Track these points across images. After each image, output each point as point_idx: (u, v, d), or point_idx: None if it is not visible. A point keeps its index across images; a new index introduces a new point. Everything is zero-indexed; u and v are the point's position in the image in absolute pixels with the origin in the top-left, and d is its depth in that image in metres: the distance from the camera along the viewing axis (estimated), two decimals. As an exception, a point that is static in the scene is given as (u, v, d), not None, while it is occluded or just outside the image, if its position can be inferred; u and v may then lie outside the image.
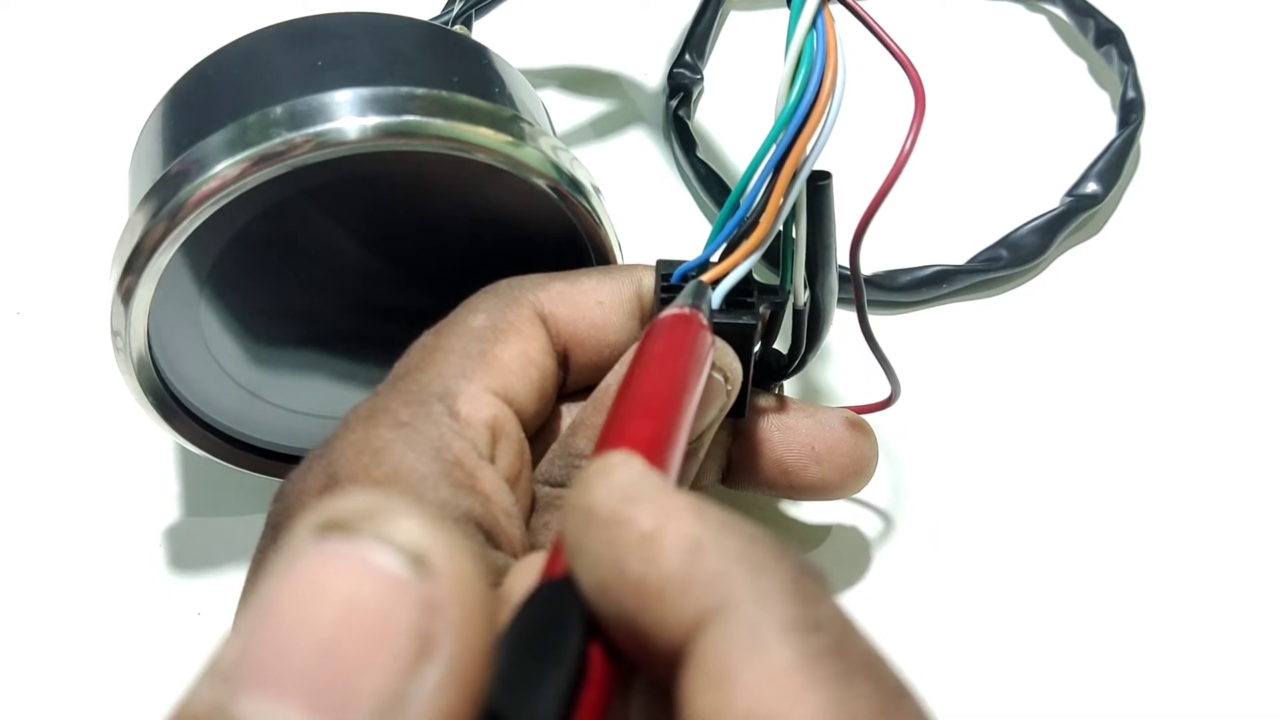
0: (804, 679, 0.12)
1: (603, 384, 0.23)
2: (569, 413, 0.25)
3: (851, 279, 0.25)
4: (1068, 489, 0.33)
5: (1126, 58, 0.41)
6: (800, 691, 0.12)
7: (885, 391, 0.28)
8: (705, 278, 0.24)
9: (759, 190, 0.23)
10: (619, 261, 0.29)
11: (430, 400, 0.21)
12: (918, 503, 0.32)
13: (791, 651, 0.13)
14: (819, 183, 0.24)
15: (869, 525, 0.32)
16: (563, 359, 0.24)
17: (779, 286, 0.25)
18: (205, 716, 0.11)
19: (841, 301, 0.36)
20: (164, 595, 0.31)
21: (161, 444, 0.34)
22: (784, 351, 0.27)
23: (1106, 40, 0.42)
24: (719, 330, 0.23)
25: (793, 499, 0.31)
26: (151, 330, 0.27)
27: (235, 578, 0.31)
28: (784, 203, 0.23)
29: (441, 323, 0.23)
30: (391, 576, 0.12)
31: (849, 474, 0.26)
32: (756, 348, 0.26)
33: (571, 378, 0.25)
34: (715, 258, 0.24)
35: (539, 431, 0.24)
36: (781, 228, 0.24)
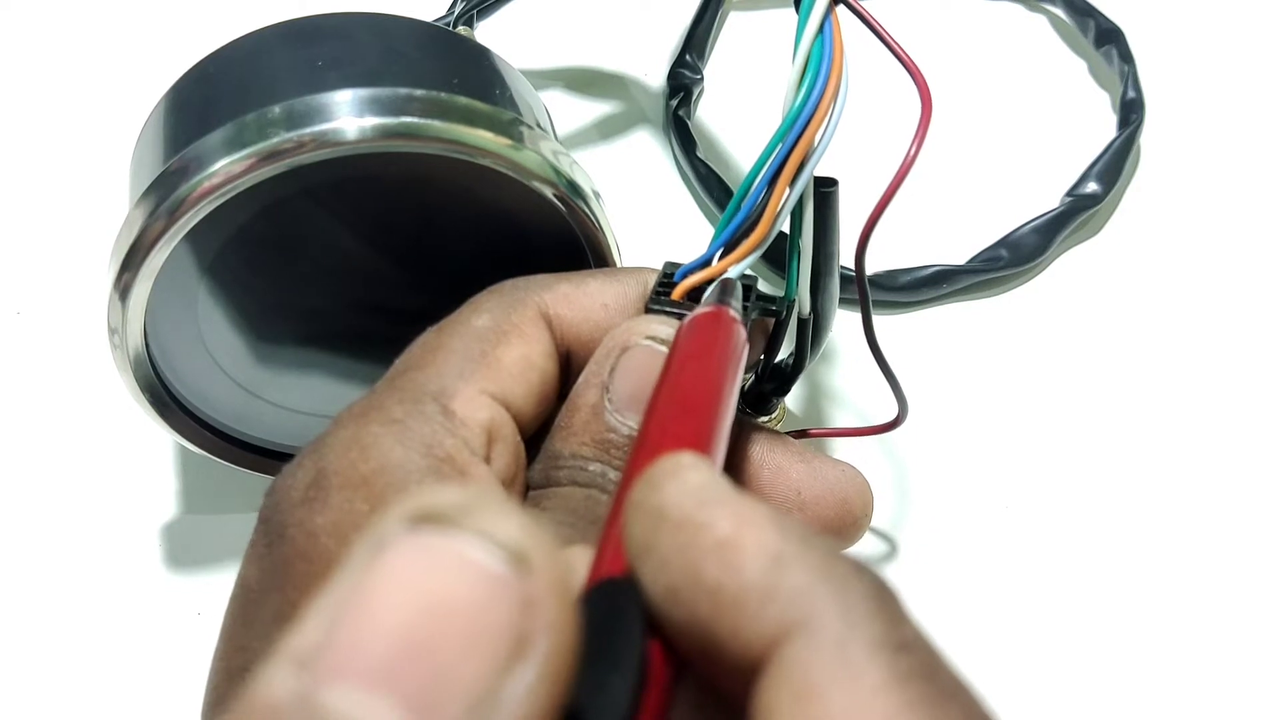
0: (896, 701, 0.12)
1: (578, 384, 0.23)
2: None
3: (856, 283, 0.25)
4: (1068, 490, 0.33)
5: (1126, 58, 0.41)
6: (892, 714, 0.12)
7: (890, 404, 0.28)
8: (700, 276, 0.24)
9: (761, 191, 0.23)
10: (618, 265, 0.29)
11: (424, 399, 0.21)
12: (916, 503, 0.32)
13: (881, 672, 0.12)
14: (825, 189, 0.24)
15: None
16: (565, 361, 0.24)
17: (781, 296, 0.25)
18: (287, 705, 0.11)
19: (844, 302, 0.37)
20: (164, 594, 0.31)
21: (161, 443, 0.34)
22: (788, 363, 0.27)
23: (1106, 40, 0.42)
24: None
25: None
26: (149, 327, 0.27)
27: (233, 576, 0.31)
28: (783, 204, 0.23)
29: (444, 321, 0.23)
30: (490, 573, 0.11)
31: (832, 528, 0.25)
32: (759, 356, 0.25)
33: (573, 379, 0.25)
34: (716, 258, 0.24)
35: (535, 435, 0.24)
36: (787, 233, 0.24)
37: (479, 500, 0.12)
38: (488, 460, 0.21)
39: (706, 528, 0.14)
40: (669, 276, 0.24)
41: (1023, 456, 0.33)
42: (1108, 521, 0.32)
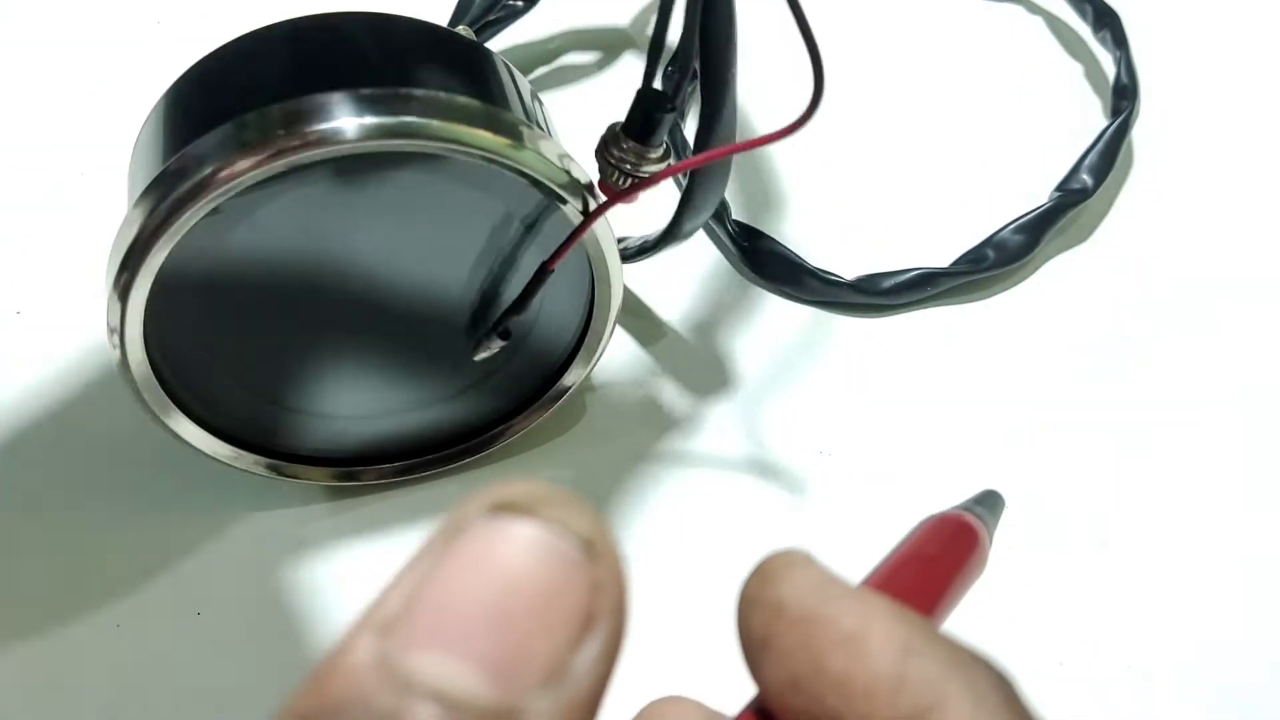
0: None
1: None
2: None
3: None
4: (1058, 498, 0.33)
5: (1121, 42, 0.41)
6: None
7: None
8: None
9: None
10: (616, 268, 0.29)
11: None
12: (912, 504, 0.32)
13: None
14: None
15: (849, 531, 0.32)
16: None
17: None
18: (370, 667, 0.12)
19: (835, 306, 0.37)
20: (164, 594, 0.31)
21: (161, 443, 0.34)
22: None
23: (1103, 24, 0.41)
24: None
25: None
26: (148, 327, 0.27)
27: (233, 576, 0.31)
28: None
29: None
30: (566, 556, 0.13)
31: None
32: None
33: None
34: None
35: None
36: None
37: (552, 493, 0.13)
38: None
39: (831, 622, 0.15)
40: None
41: (1011, 464, 0.33)
42: (1105, 523, 0.32)
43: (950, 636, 0.15)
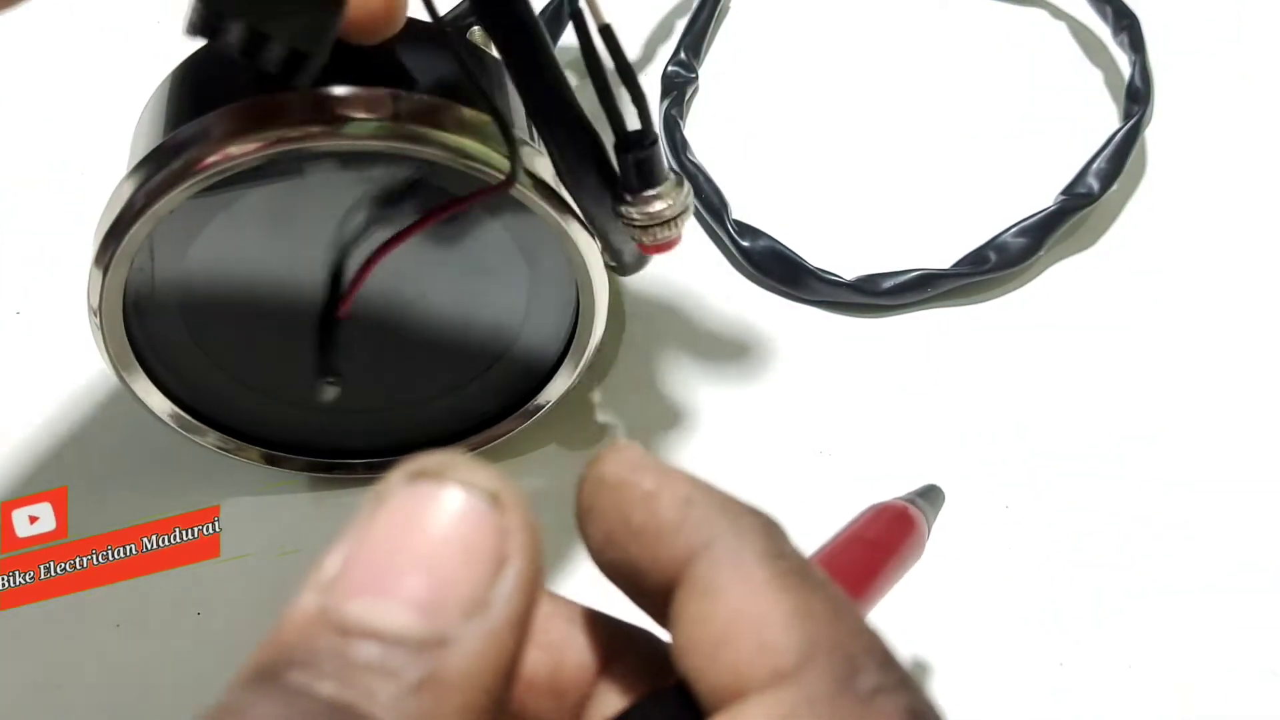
0: (777, 588, 0.16)
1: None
2: None
3: None
4: (1058, 500, 0.33)
5: (1138, 46, 0.40)
6: (774, 596, 0.16)
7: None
8: None
9: None
10: (600, 280, 0.29)
11: None
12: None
13: (766, 571, 0.16)
14: None
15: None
16: None
17: None
18: (313, 618, 0.14)
19: (835, 306, 0.37)
20: (163, 593, 0.31)
21: (159, 442, 0.34)
22: None
23: (1122, 26, 0.40)
24: None
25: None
26: (129, 305, 0.27)
27: (231, 575, 0.32)
28: None
29: None
30: (475, 508, 0.15)
31: None
32: None
33: None
34: None
35: None
36: None
37: (460, 460, 0.15)
38: None
39: (635, 486, 0.17)
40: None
41: (1003, 470, 0.33)
42: (1106, 524, 0.32)
43: (726, 492, 0.17)
